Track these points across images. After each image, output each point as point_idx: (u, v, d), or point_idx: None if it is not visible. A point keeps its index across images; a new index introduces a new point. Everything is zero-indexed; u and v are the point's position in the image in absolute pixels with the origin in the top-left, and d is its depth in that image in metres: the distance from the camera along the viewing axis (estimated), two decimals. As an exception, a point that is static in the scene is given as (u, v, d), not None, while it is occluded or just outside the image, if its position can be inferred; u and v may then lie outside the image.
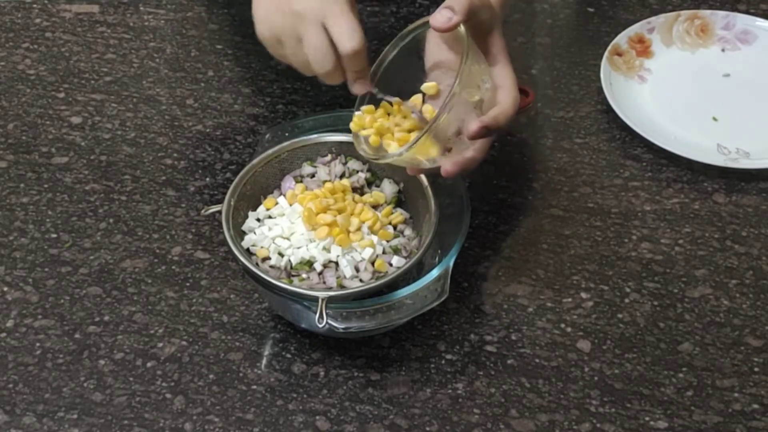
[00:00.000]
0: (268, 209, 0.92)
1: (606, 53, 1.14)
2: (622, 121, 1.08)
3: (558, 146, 1.08)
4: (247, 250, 0.89)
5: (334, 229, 0.88)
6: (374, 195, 0.93)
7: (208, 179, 1.03)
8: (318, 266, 0.87)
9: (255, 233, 0.90)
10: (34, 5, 1.24)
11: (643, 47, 1.17)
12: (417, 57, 0.92)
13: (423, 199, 0.91)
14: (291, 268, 0.88)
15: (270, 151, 0.94)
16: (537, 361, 0.89)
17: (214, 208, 0.91)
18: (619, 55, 1.15)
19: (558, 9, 1.25)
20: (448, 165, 0.85)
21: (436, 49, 0.91)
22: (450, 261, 0.86)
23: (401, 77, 0.92)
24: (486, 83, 0.86)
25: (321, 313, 0.81)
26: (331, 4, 0.87)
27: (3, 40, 1.19)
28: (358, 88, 0.91)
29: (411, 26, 0.92)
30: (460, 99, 0.82)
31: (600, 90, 1.12)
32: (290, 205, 0.92)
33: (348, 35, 0.87)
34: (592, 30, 1.22)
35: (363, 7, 1.23)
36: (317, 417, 0.85)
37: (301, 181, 0.94)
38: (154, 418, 0.85)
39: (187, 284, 0.94)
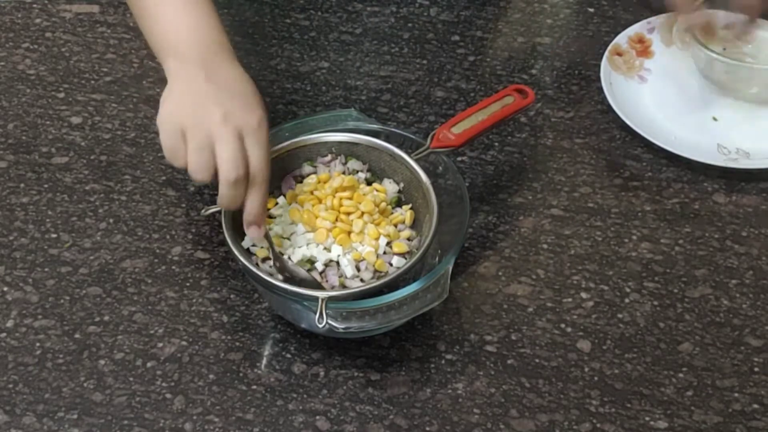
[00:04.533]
0: (268, 209, 0.92)
1: (606, 53, 1.14)
2: (622, 121, 1.08)
3: (558, 146, 1.08)
4: (247, 250, 0.89)
5: (334, 230, 0.89)
6: (378, 189, 0.93)
7: (208, 179, 1.03)
8: (319, 266, 0.88)
9: None
10: (34, 5, 1.24)
11: (643, 47, 1.17)
12: None
13: (423, 200, 0.91)
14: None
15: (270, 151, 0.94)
16: (537, 361, 0.89)
17: (214, 208, 0.91)
18: (619, 55, 1.15)
19: (558, 9, 1.25)
20: None
21: None
22: (450, 261, 0.86)
23: None
24: None
25: (321, 313, 0.81)
26: (255, 117, 0.85)
27: (3, 40, 1.19)
28: (252, 233, 0.87)
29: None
30: None
31: (600, 90, 1.12)
32: (290, 204, 0.92)
33: (266, 159, 0.85)
34: (592, 30, 1.22)
35: (363, 7, 1.23)
36: (317, 417, 0.85)
37: (301, 182, 0.94)
38: (154, 418, 0.85)
39: (187, 284, 0.94)
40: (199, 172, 0.85)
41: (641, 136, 1.06)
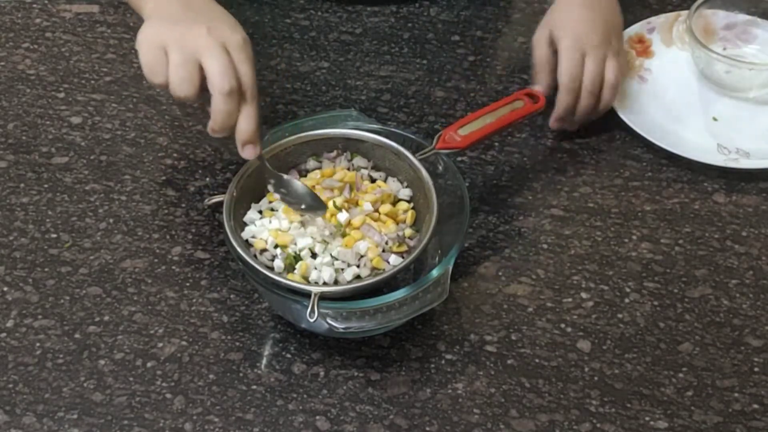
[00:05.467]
0: (271, 202, 0.92)
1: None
2: (622, 121, 1.08)
3: (558, 146, 1.08)
4: (247, 241, 0.89)
5: (333, 218, 0.89)
6: (382, 186, 0.93)
7: (208, 179, 1.03)
8: (318, 262, 0.88)
9: (255, 225, 0.90)
10: (34, 5, 1.24)
11: (643, 47, 1.17)
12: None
13: (425, 199, 0.91)
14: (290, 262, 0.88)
15: (275, 144, 0.94)
16: (537, 361, 0.89)
17: (217, 198, 0.91)
18: None
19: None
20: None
21: None
22: (450, 261, 0.86)
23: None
24: None
25: (313, 308, 0.81)
26: (239, 34, 0.85)
27: (3, 40, 1.19)
28: (248, 152, 0.87)
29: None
30: None
31: (600, 90, 1.12)
32: None
33: (254, 74, 0.84)
34: (592, 30, 1.22)
35: (363, 7, 1.23)
36: (317, 417, 0.85)
37: (306, 176, 0.94)
38: (154, 418, 0.85)
39: (187, 284, 0.94)
40: (182, 86, 0.84)
41: (641, 136, 1.06)
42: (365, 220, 0.90)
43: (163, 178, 1.04)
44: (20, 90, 1.13)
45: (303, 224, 0.90)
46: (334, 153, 0.96)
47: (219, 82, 0.83)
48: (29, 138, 1.07)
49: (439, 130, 0.96)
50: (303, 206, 0.89)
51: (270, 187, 0.90)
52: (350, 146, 0.96)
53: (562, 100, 1.03)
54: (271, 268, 0.86)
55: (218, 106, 0.84)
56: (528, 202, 1.02)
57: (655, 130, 1.07)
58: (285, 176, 0.91)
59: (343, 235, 0.89)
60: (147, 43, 0.85)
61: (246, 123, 0.85)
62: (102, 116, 1.10)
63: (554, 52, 1.04)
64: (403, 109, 1.11)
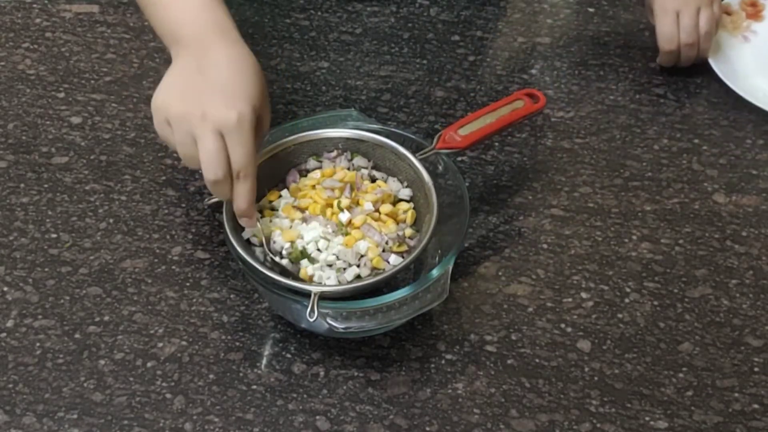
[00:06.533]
0: (271, 201, 0.92)
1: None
2: (623, 120, 1.08)
3: (558, 146, 1.08)
4: (248, 240, 0.89)
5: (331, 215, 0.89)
6: (382, 186, 0.93)
7: (208, 179, 1.03)
8: (321, 259, 0.88)
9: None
10: (34, 5, 1.24)
11: (755, 11, 1.23)
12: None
13: (425, 199, 0.91)
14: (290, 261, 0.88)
15: (275, 144, 0.94)
16: (537, 361, 0.89)
17: (217, 198, 0.91)
18: (728, 14, 1.21)
19: (558, 9, 1.25)
20: None
21: None
22: (450, 261, 0.86)
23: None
24: None
25: (312, 307, 0.81)
26: (234, 114, 0.84)
27: (3, 40, 1.19)
28: (245, 223, 0.89)
29: None
30: None
31: (600, 90, 1.12)
32: (293, 197, 0.92)
33: (247, 155, 0.85)
34: (592, 30, 1.22)
35: (363, 7, 1.23)
36: (317, 417, 0.85)
37: (306, 175, 0.94)
38: (154, 418, 0.85)
39: (187, 284, 0.94)
40: (186, 162, 0.87)
41: (735, 93, 1.11)
42: (366, 219, 0.90)
43: (163, 178, 1.04)
44: (20, 90, 1.13)
45: (305, 221, 0.90)
46: (334, 153, 0.96)
47: (205, 172, 0.85)
48: (29, 138, 1.07)
49: (439, 130, 0.96)
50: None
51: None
52: (350, 146, 0.96)
53: (664, 60, 1.15)
54: (272, 268, 0.87)
55: (210, 188, 0.87)
56: (528, 202, 1.02)
57: (749, 86, 1.12)
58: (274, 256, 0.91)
59: (345, 234, 0.89)
60: (155, 113, 0.88)
61: (239, 201, 0.86)
62: (102, 116, 1.10)
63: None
64: (403, 109, 1.11)
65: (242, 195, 0.86)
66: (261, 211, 0.92)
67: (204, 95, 0.85)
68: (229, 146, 0.84)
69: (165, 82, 0.88)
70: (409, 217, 0.92)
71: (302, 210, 0.91)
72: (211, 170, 0.84)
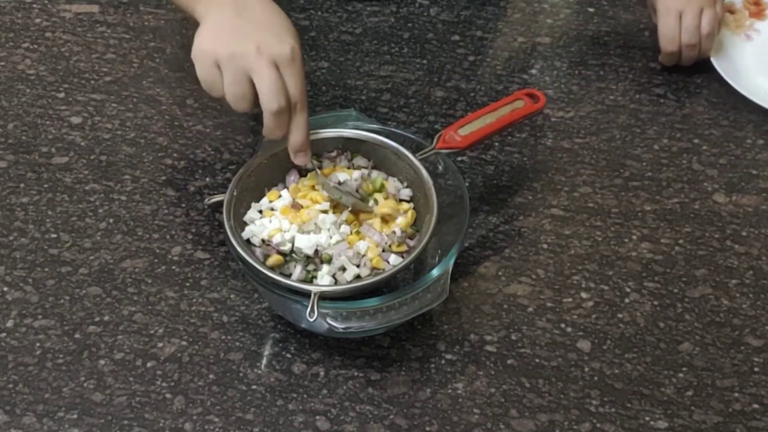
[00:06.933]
0: (271, 201, 0.92)
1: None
2: (623, 120, 1.08)
3: (558, 146, 1.08)
4: (248, 240, 0.89)
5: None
6: (383, 185, 0.93)
7: (208, 179, 1.03)
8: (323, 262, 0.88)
9: (255, 224, 0.90)
10: (34, 5, 1.24)
11: (758, 9, 1.23)
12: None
13: (425, 199, 0.91)
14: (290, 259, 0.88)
15: (275, 144, 0.94)
16: (537, 361, 0.89)
17: (217, 198, 0.91)
18: (731, 12, 1.21)
19: (558, 9, 1.25)
20: None
21: None
22: (450, 261, 0.86)
23: None
24: None
25: (312, 307, 0.81)
26: (288, 47, 0.87)
27: (3, 40, 1.19)
28: (299, 159, 0.90)
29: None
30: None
31: (600, 90, 1.12)
32: (293, 197, 0.92)
33: (303, 86, 0.87)
34: (592, 30, 1.22)
35: (363, 6, 1.23)
36: (317, 417, 0.85)
37: (306, 176, 0.94)
38: (154, 418, 0.85)
39: (187, 284, 0.94)
40: (237, 104, 0.88)
41: (739, 93, 1.11)
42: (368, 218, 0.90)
43: (163, 178, 1.04)
44: (20, 90, 1.13)
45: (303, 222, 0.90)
46: (335, 153, 0.96)
47: (268, 102, 0.86)
48: (29, 138, 1.07)
49: (439, 130, 0.96)
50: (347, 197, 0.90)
51: (322, 189, 0.91)
52: (350, 146, 0.96)
53: (665, 60, 1.15)
54: (272, 268, 0.87)
55: (268, 121, 0.87)
56: (528, 202, 1.02)
57: (751, 85, 1.12)
58: (254, 213, 0.92)
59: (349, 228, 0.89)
60: (202, 58, 0.88)
61: (297, 134, 0.89)
62: (102, 116, 1.10)
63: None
64: (403, 109, 1.11)
65: (300, 126, 0.88)
66: (261, 211, 0.92)
67: (254, 33, 0.87)
68: (285, 77, 0.86)
69: (205, 30, 0.89)
70: (409, 217, 0.92)
71: (300, 208, 0.91)
72: (275, 100, 0.86)
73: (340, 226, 0.89)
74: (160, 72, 1.15)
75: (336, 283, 0.86)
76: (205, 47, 0.87)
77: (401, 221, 0.90)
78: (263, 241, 0.89)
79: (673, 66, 1.15)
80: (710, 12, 1.12)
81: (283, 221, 0.90)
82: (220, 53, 0.86)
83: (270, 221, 0.91)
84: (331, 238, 0.88)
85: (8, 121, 1.09)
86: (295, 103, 0.87)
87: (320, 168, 0.95)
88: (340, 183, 0.92)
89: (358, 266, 0.87)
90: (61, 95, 1.12)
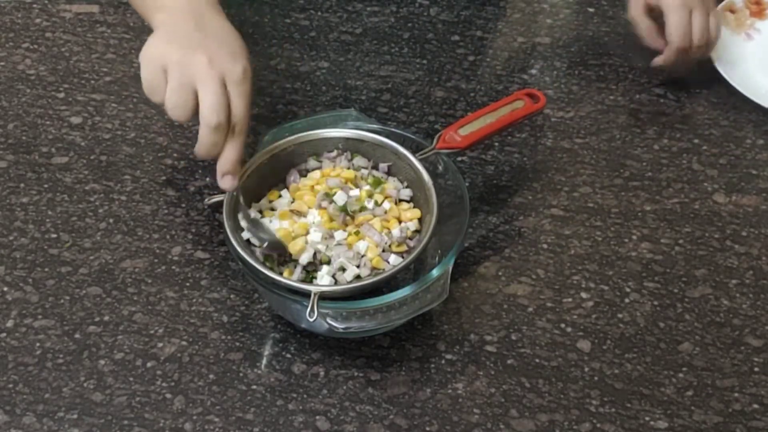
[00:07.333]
0: (271, 201, 0.92)
1: (719, 8, 1.19)
2: (623, 120, 1.08)
3: (558, 146, 1.08)
4: (247, 240, 0.89)
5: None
6: (383, 185, 0.93)
7: (208, 179, 1.03)
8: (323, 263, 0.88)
9: None
10: (34, 5, 1.24)
11: (758, 9, 1.22)
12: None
13: (425, 199, 0.91)
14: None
15: (275, 144, 0.94)
16: (537, 361, 0.89)
17: (217, 198, 0.91)
18: (732, 12, 1.21)
19: (558, 9, 1.25)
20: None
21: None
22: (450, 261, 0.86)
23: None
24: None
25: (312, 307, 0.81)
26: (240, 67, 0.86)
27: (3, 40, 1.19)
28: (226, 183, 0.88)
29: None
30: None
31: (600, 90, 1.12)
32: (292, 198, 0.92)
33: (247, 109, 0.86)
34: (592, 30, 1.22)
35: (363, 6, 1.23)
36: (317, 417, 0.85)
37: (306, 176, 0.94)
38: (154, 418, 0.85)
39: (187, 284, 0.94)
40: (175, 111, 0.86)
41: (739, 92, 1.11)
42: (369, 218, 0.90)
43: (163, 178, 1.04)
44: (20, 90, 1.13)
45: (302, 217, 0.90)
46: (334, 153, 0.96)
47: (207, 116, 0.85)
48: (29, 138, 1.07)
49: (439, 130, 0.96)
50: (265, 245, 0.88)
51: (240, 220, 0.90)
52: (350, 146, 0.96)
53: (672, 57, 1.09)
54: (272, 268, 0.87)
55: (204, 137, 0.86)
56: (528, 202, 1.02)
57: (752, 84, 1.12)
58: (253, 214, 0.91)
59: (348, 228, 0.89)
60: (149, 60, 0.87)
61: (229, 154, 0.87)
62: (102, 116, 1.10)
63: (656, 19, 1.10)
64: (403, 109, 1.11)
65: (234, 147, 0.86)
66: (261, 212, 0.92)
67: (209, 46, 0.86)
68: (231, 96, 0.85)
69: (159, 34, 0.88)
70: (411, 216, 0.92)
71: (300, 214, 0.91)
72: (214, 114, 0.84)
73: (331, 237, 0.89)
74: (160, 72, 1.15)
75: (336, 283, 0.86)
76: (154, 50, 0.86)
77: (410, 221, 0.91)
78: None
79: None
80: (716, 18, 1.10)
81: (282, 222, 0.90)
82: (170, 58, 0.85)
83: (270, 221, 0.91)
84: (327, 247, 0.88)
85: (8, 121, 1.09)
86: (235, 123, 0.86)
87: (320, 168, 0.95)
88: (255, 221, 0.90)
89: (358, 266, 0.87)
90: (61, 95, 1.12)
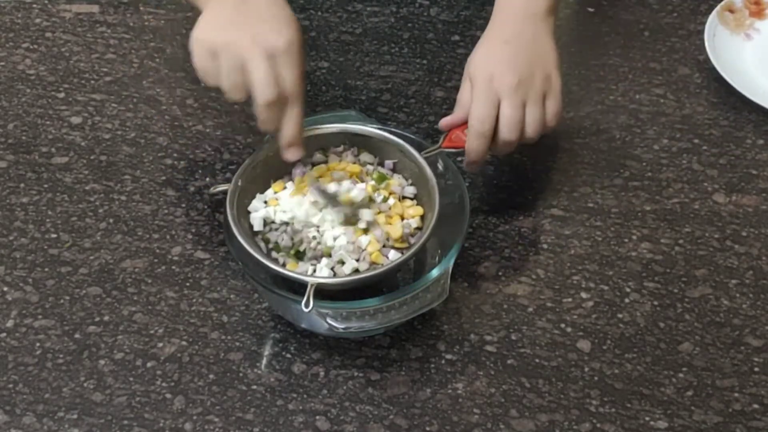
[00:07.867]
0: (276, 192, 0.92)
1: (717, 8, 1.19)
2: (623, 120, 1.08)
3: (558, 146, 1.08)
4: (251, 228, 0.90)
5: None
6: (387, 181, 0.93)
7: (208, 179, 1.03)
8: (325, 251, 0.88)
9: (259, 212, 0.90)
10: (34, 5, 1.24)
11: (758, 9, 1.22)
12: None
13: (428, 198, 0.91)
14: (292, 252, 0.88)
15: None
16: (537, 361, 0.89)
17: (222, 187, 0.91)
18: (731, 11, 1.21)
19: (558, 9, 1.25)
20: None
21: None
22: (450, 261, 0.86)
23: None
24: None
25: (308, 298, 0.81)
26: (283, 39, 0.86)
27: (3, 40, 1.19)
28: (291, 154, 0.90)
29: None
30: None
31: (600, 90, 1.12)
32: (297, 190, 0.92)
33: (297, 78, 0.86)
34: (592, 30, 1.22)
35: (363, 7, 1.23)
36: (317, 417, 0.85)
37: (311, 170, 0.95)
38: (154, 418, 0.85)
39: (187, 284, 0.94)
40: (232, 93, 0.87)
41: (739, 92, 1.10)
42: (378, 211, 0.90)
43: (163, 178, 1.04)
44: (20, 90, 1.13)
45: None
46: (341, 148, 0.96)
47: (258, 94, 0.86)
48: (29, 138, 1.07)
49: (439, 130, 0.96)
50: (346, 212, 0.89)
51: (315, 195, 0.90)
52: (356, 142, 0.96)
53: (471, 144, 0.92)
54: (275, 260, 0.87)
55: (260, 114, 0.87)
56: (528, 202, 1.02)
57: (752, 85, 1.12)
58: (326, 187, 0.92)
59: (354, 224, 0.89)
60: (198, 47, 0.88)
61: (289, 127, 0.88)
62: (102, 116, 1.10)
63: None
64: (403, 109, 1.11)
65: (292, 120, 0.88)
66: (266, 202, 0.92)
67: (252, 24, 0.87)
68: (280, 68, 0.86)
69: (205, 19, 0.89)
70: (414, 213, 0.92)
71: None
72: (264, 91, 0.85)
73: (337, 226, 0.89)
74: (160, 72, 1.15)
75: (335, 276, 0.86)
76: (201, 36, 0.88)
77: (412, 218, 0.91)
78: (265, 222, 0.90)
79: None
80: (536, 110, 0.93)
81: (288, 209, 0.90)
82: (216, 42, 0.86)
83: (275, 211, 0.91)
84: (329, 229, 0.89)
85: (8, 121, 1.09)
86: (288, 95, 0.87)
87: (326, 162, 0.95)
88: (332, 192, 0.91)
89: (357, 260, 0.87)
90: (61, 95, 1.12)
